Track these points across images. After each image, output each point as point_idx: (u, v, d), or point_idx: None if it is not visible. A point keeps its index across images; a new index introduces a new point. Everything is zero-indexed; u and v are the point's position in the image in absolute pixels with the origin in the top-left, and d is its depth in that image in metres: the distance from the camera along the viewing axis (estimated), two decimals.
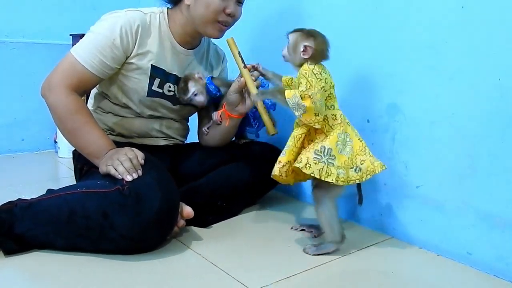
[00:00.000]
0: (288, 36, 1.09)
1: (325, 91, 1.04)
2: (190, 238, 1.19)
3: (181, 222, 1.16)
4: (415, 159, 1.18)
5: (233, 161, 1.39)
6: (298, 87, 1.05)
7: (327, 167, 1.03)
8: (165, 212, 1.05)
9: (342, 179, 1.04)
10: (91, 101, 1.41)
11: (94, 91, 1.38)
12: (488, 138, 1.03)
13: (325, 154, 1.04)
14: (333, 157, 1.04)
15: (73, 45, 2.11)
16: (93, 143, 1.18)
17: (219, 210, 1.33)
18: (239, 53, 1.26)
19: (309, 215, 1.39)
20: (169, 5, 1.34)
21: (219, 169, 1.38)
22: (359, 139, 1.11)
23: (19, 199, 1.12)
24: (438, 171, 1.13)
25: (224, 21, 1.25)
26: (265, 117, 1.22)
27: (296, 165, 1.05)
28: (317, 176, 1.03)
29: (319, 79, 1.03)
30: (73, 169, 1.40)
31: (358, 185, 1.14)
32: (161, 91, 1.32)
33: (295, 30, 1.08)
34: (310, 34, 1.06)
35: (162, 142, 1.41)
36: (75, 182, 1.32)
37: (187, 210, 1.16)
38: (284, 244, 1.18)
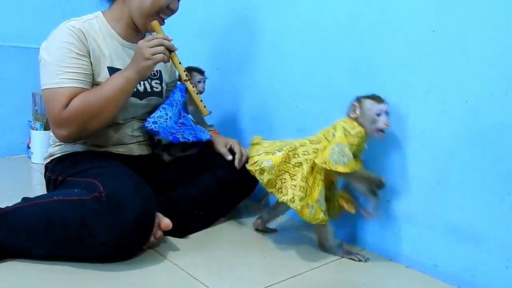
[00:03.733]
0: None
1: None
2: (167, 249, 1.20)
3: (159, 233, 1.17)
4: (387, 174, 1.22)
5: (209, 169, 1.40)
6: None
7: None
8: (143, 219, 1.07)
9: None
10: None
11: None
12: (456, 155, 1.08)
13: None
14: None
15: None
16: (113, 85, 1.18)
17: (196, 219, 1.34)
18: (180, 63, 1.28)
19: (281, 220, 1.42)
20: (106, 5, 1.35)
21: (195, 178, 1.39)
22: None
23: None
24: (409, 186, 1.18)
25: (165, 16, 1.30)
26: (197, 100, 1.30)
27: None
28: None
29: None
30: None
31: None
32: None
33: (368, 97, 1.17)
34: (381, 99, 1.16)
35: (136, 151, 1.38)
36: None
37: (165, 222, 1.17)
38: (260, 254, 1.20)
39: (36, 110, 2.05)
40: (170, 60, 1.25)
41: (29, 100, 2.10)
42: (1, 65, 2.11)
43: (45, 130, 2.02)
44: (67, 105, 1.15)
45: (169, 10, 1.29)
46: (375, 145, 1.23)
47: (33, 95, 2.05)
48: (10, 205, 1.12)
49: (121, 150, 1.35)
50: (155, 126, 1.31)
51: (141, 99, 1.35)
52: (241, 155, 1.36)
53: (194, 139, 1.37)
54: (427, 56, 1.13)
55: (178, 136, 1.34)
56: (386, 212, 1.23)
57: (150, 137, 1.42)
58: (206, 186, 1.37)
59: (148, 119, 1.33)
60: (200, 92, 1.46)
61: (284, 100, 1.53)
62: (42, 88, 1.20)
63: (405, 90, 1.18)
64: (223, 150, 1.39)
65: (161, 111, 1.34)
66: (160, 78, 1.42)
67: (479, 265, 1.05)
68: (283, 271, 1.10)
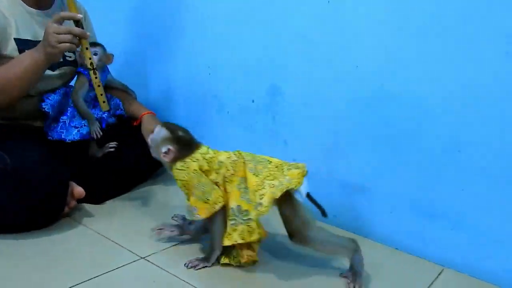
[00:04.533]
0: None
1: (201, 167, 0.99)
2: (82, 215, 1.22)
3: (73, 203, 1.19)
4: (292, 136, 1.33)
5: (121, 137, 1.38)
6: None
7: (248, 226, 0.96)
8: (53, 189, 1.09)
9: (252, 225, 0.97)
10: None
11: None
12: (349, 118, 1.21)
13: (237, 214, 0.97)
14: (246, 212, 0.97)
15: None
16: (22, 64, 1.14)
17: (110, 187, 1.36)
18: (87, 49, 1.19)
19: None
20: None
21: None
22: (254, 174, 0.98)
23: None
24: (310, 148, 1.30)
25: None
26: (98, 93, 1.24)
27: (226, 243, 0.99)
28: (242, 241, 0.97)
29: (186, 169, 0.99)
30: None
31: (310, 198, 1.01)
32: None
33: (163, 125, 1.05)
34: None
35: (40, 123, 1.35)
36: None
37: (78, 190, 1.19)
38: (169, 216, 1.25)
39: None
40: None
41: None
42: None
43: None
44: None
45: None
46: (280, 111, 1.33)
47: None
48: None
49: (32, 123, 1.33)
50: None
51: (53, 70, 1.30)
52: None
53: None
54: (324, 26, 1.22)
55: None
56: None
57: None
58: (119, 156, 1.36)
59: (46, 100, 1.28)
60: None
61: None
62: None
63: (306, 59, 1.27)
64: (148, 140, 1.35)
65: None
66: None
67: (368, 213, 1.21)
68: None
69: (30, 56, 1.15)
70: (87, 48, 1.19)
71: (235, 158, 1.01)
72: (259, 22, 1.36)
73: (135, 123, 1.43)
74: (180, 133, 1.03)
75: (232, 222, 0.97)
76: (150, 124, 1.37)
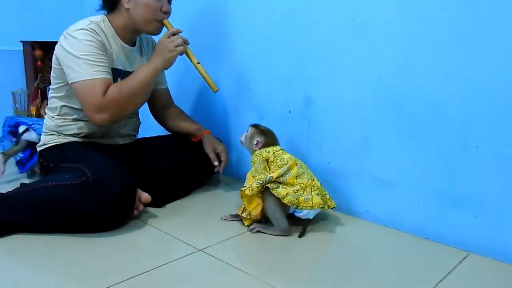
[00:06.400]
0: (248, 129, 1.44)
1: (267, 158, 1.34)
2: (148, 217, 1.42)
3: (140, 207, 1.39)
4: (326, 140, 1.48)
5: (180, 148, 1.64)
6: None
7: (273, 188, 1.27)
8: (124, 194, 1.27)
9: (289, 199, 1.24)
10: (51, 112, 1.53)
11: (56, 103, 1.51)
12: (376, 119, 1.34)
13: (266, 180, 1.27)
14: (276, 184, 1.28)
15: (24, 51, 2.25)
16: (143, 75, 1.41)
17: (171, 192, 1.57)
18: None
19: None
20: (105, 11, 1.51)
21: (168, 158, 1.61)
22: (295, 176, 1.29)
23: None
24: (342, 148, 1.44)
25: (161, 19, 1.48)
26: (207, 78, 1.49)
27: (247, 192, 1.28)
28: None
29: (259, 155, 1.35)
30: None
31: (305, 222, 1.30)
32: None
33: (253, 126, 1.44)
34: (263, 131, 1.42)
35: (121, 141, 1.61)
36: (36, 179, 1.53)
37: (145, 196, 1.39)
38: (221, 215, 1.43)
39: (17, 107, 2.22)
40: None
41: (8, 98, 2.26)
42: None
43: None
44: (105, 93, 1.35)
45: (163, 13, 1.47)
46: (314, 118, 1.48)
47: (12, 94, 2.21)
48: (10, 190, 1.32)
49: (107, 141, 1.56)
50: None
51: None
52: (225, 164, 1.61)
53: None
54: (349, 41, 1.37)
55: None
56: (327, 172, 1.49)
57: (135, 128, 1.67)
58: (177, 165, 1.60)
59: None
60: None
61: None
62: (75, 80, 1.36)
63: (333, 69, 1.42)
64: (211, 155, 1.59)
65: None
66: None
67: (397, 206, 1.33)
68: (242, 226, 1.35)
69: (147, 67, 1.43)
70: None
71: (292, 161, 1.32)
72: (292, 38, 1.53)
73: (194, 139, 1.66)
74: (265, 131, 1.43)
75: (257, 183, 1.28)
76: (211, 141, 1.63)
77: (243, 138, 1.46)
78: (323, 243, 1.27)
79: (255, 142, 1.40)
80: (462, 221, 1.21)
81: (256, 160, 1.35)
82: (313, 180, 1.31)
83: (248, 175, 1.35)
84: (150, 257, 1.16)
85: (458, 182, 1.20)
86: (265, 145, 1.39)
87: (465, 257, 1.17)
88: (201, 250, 1.20)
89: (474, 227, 1.19)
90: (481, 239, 1.18)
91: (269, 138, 1.42)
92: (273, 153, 1.36)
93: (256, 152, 1.38)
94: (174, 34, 1.44)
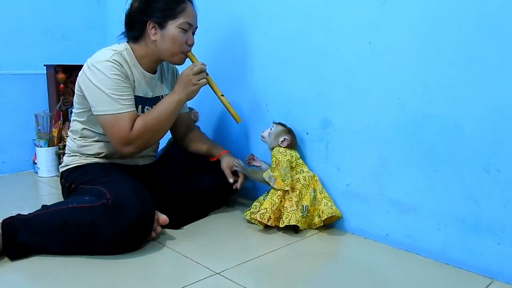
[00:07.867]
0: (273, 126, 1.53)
1: (291, 162, 1.47)
2: (166, 239, 1.43)
3: (158, 229, 1.39)
4: (344, 162, 1.47)
5: (198, 170, 1.66)
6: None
7: (304, 218, 1.45)
8: (143, 219, 1.29)
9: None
10: (73, 135, 1.58)
11: (78, 126, 1.55)
12: (393, 142, 1.34)
13: (303, 210, 1.43)
14: (308, 211, 1.44)
15: (47, 74, 2.31)
16: (167, 107, 1.46)
17: (189, 214, 1.58)
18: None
19: None
20: (130, 40, 1.54)
21: (187, 180, 1.63)
22: (320, 192, 1.48)
23: (19, 214, 1.32)
24: (361, 171, 1.43)
25: (186, 51, 1.52)
26: (231, 110, 1.53)
27: (285, 223, 1.42)
28: (294, 223, 1.42)
29: (284, 155, 1.47)
30: (59, 188, 1.62)
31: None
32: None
33: (279, 124, 1.54)
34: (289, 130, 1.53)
35: (141, 162, 1.65)
36: (61, 199, 1.55)
37: (163, 218, 1.39)
38: (243, 237, 1.44)
39: (39, 130, 2.27)
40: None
41: (31, 121, 2.32)
42: (4, 91, 2.31)
43: (48, 147, 2.25)
44: (131, 127, 1.40)
45: (188, 45, 1.52)
46: (332, 141, 1.48)
47: (35, 116, 2.27)
48: (31, 212, 1.34)
49: (126, 162, 1.59)
50: None
51: None
52: (242, 181, 1.62)
53: None
54: (366, 63, 1.38)
55: None
56: (345, 194, 1.48)
57: (154, 149, 1.70)
58: (196, 186, 1.62)
59: None
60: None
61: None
62: (101, 113, 1.41)
63: (351, 92, 1.42)
64: (227, 172, 1.62)
65: None
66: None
67: (417, 230, 1.31)
68: (261, 249, 1.34)
69: (171, 99, 1.48)
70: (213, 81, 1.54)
71: (312, 175, 1.49)
72: (310, 61, 1.54)
73: (212, 159, 1.69)
74: (291, 131, 1.54)
75: (301, 214, 1.43)
76: (227, 159, 1.65)
77: (266, 134, 1.54)
78: (342, 267, 1.25)
79: (281, 139, 1.50)
80: (485, 247, 1.18)
81: (280, 158, 1.47)
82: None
83: (276, 175, 1.44)
84: (168, 281, 1.16)
85: (480, 207, 1.18)
86: (290, 144, 1.51)
87: (488, 285, 1.14)
88: (218, 273, 1.20)
89: (497, 254, 1.16)
90: (506, 266, 1.14)
91: (294, 138, 1.54)
92: (295, 160, 1.49)
93: (281, 150, 1.49)
94: (197, 68, 1.47)
